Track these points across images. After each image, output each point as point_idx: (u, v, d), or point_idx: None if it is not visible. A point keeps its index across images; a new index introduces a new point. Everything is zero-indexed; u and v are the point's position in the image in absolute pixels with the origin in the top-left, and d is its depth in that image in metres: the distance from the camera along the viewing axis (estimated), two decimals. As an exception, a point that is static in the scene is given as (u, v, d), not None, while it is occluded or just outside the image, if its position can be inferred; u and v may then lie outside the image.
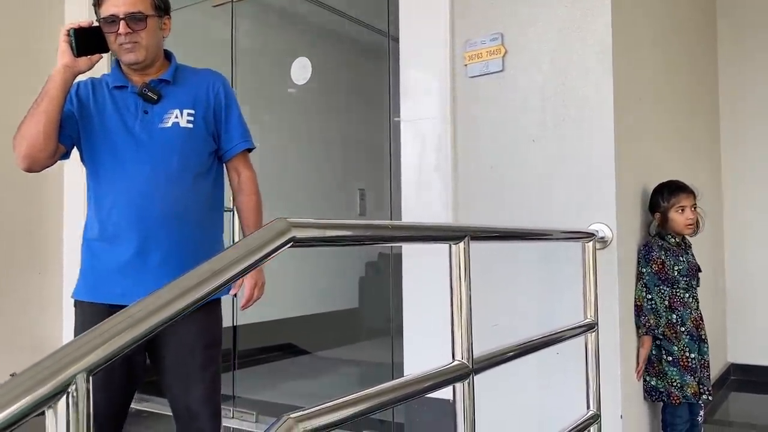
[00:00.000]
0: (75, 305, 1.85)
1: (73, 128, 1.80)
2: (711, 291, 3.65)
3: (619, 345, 2.26)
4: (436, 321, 2.62)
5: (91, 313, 1.77)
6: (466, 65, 2.56)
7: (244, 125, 1.97)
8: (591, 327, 2.13)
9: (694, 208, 2.45)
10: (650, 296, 2.38)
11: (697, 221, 2.47)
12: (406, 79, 2.68)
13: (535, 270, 2.45)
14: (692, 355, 2.39)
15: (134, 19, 1.76)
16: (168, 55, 1.92)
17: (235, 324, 3.62)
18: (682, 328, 2.40)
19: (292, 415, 0.94)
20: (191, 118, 1.84)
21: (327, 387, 4.02)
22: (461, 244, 1.41)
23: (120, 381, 1.76)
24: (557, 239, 2.20)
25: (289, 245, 0.97)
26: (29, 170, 1.76)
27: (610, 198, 2.26)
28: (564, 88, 2.36)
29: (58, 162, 1.82)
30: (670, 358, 2.39)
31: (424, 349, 2.55)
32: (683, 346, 2.39)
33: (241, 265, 0.91)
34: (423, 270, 2.59)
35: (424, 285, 2.59)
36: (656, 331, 2.37)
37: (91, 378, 0.72)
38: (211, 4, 3.53)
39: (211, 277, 0.87)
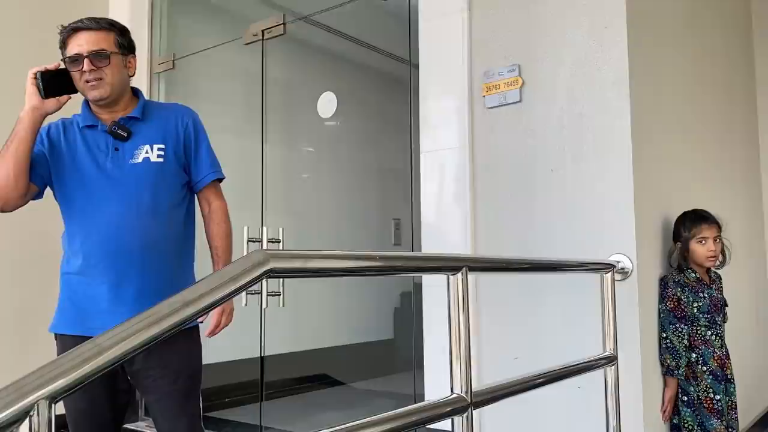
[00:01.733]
0: (55, 338, 1.88)
1: (44, 168, 1.85)
2: (751, 323, 3.51)
3: (641, 380, 2.19)
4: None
5: (72, 345, 1.80)
6: (484, 96, 2.56)
7: (213, 157, 2.01)
8: (610, 360, 2.08)
9: (718, 239, 2.37)
10: (665, 335, 2.30)
11: (723, 253, 2.38)
12: (425, 110, 2.70)
13: (558, 302, 2.41)
14: (717, 397, 2.28)
15: (98, 57, 1.82)
16: (136, 93, 1.98)
17: (262, 355, 3.65)
18: (704, 368, 2.30)
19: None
20: (161, 153, 1.88)
21: (359, 418, 3.97)
22: (459, 275, 1.40)
23: (103, 412, 1.82)
24: (571, 270, 2.16)
25: (265, 276, 0.98)
26: (1, 210, 1.81)
27: (629, 228, 2.22)
28: (581, 119, 2.34)
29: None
30: (686, 399, 2.30)
31: (444, 381, 2.53)
32: (706, 386, 2.30)
33: (217, 295, 0.93)
34: (442, 301, 2.57)
35: (444, 316, 2.57)
36: (676, 372, 2.28)
37: (54, 405, 0.74)
38: (243, 41, 3.64)
39: (183, 307, 0.89)
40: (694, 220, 2.37)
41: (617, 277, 2.25)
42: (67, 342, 1.83)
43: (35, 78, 1.79)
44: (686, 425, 2.28)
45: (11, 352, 3.29)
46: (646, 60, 2.36)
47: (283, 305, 3.39)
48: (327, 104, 3.29)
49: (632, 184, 2.22)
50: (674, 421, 2.32)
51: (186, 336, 1.86)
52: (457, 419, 1.39)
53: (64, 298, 1.88)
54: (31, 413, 0.72)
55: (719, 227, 2.38)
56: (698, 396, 2.30)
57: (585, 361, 2.07)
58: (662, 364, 2.30)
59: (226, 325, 1.93)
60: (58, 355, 1.84)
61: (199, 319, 1.91)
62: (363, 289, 4.83)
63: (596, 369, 2.15)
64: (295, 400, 4.42)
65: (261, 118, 3.54)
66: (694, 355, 2.32)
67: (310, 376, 4.77)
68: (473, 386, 1.43)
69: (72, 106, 1.91)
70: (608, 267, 2.12)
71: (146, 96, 4.08)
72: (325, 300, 4.57)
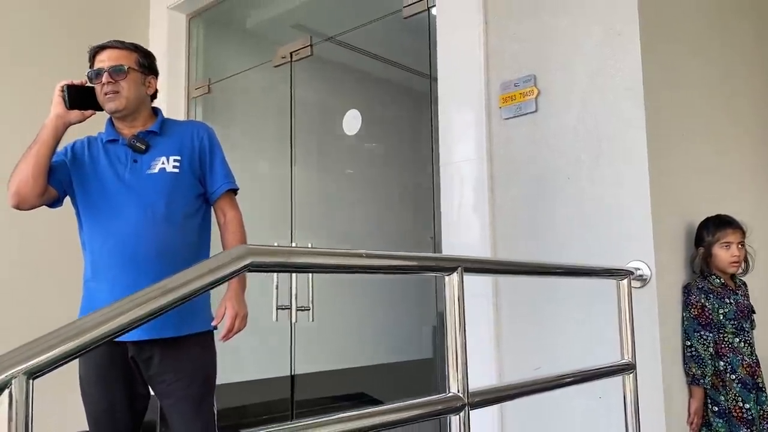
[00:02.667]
0: None
1: (63, 175, 1.98)
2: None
3: (662, 390, 2.14)
4: (476, 368, 2.60)
5: (98, 353, 1.89)
6: (500, 108, 2.59)
7: (227, 169, 2.11)
8: (628, 369, 2.05)
9: (741, 245, 2.31)
10: (689, 343, 2.25)
11: (746, 259, 2.32)
12: (444, 124, 2.74)
13: (582, 311, 2.38)
14: (747, 406, 2.21)
15: (116, 71, 1.97)
16: (156, 111, 2.12)
17: (292, 374, 3.69)
18: (732, 376, 2.24)
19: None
20: (177, 164, 2.00)
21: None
22: (454, 276, 1.42)
23: (122, 415, 1.89)
24: (584, 276, 2.15)
25: (245, 269, 1.03)
26: (17, 207, 1.93)
27: (647, 235, 2.19)
28: (596, 127, 2.33)
29: None
30: (716, 409, 2.23)
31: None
32: (734, 395, 2.23)
33: (197, 284, 0.98)
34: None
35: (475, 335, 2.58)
36: (702, 381, 2.21)
37: (32, 382, 0.79)
38: (273, 64, 3.77)
39: (163, 294, 0.94)
40: (718, 224, 2.32)
41: (636, 284, 2.22)
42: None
43: (62, 90, 1.94)
44: None
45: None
46: (662, 65, 2.35)
47: (313, 320, 3.43)
48: (352, 121, 3.36)
49: (648, 190, 2.19)
50: (702, 432, 2.26)
51: (200, 341, 1.93)
52: (455, 419, 1.40)
53: (83, 306, 1.98)
54: (10, 387, 0.77)
55: (743, 233, 2.32)
56: (728, 405, 2.23)
57: (598, 367, 2.05)
58: (687, 374, 2.25)
59: (240, 330, 1.99)
60: (83, 362, 1.93)
61: (214, 323, 1.99)
62: (399, 307, 4.84)
63: (612, 376, 2.12)
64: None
65: (290, 138, 3.64)
66: (722, 363, 2.26)
67: (347, 395, 4.78)
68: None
69: (98, 125, 2.05)
70: (624, 274, 2.09)
71: (184, 119, 4.27)
72: (365, 319, 4.58)
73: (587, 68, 2.37)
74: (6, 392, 0.77)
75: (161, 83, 4.19)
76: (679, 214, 2.37)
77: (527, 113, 2.51)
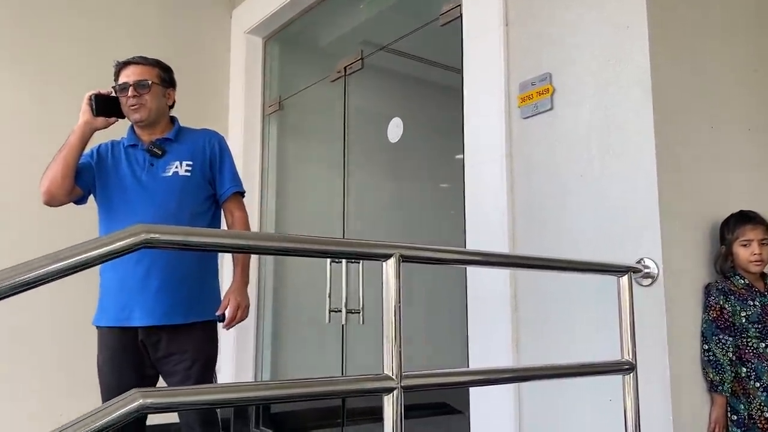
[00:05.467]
0: (98, 330, 2.19)
1: (89, 176, 2.22)
2: None
3: (670, 396, 2.03)
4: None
5: (109, 336, 2.11)
6: (519, 107, 2.58)
7: (234, 173, 2.27)
8: (627, 369, 1.97)
9: (765, 243, 2.14)
10: (707, 347, 2.11)
11: None
12: (469, 125, 2.76)
13: (601, 308, 2.31)
14: (772, 415, 2.04)
15: (140, 86, 2.20)
16: (173, 120, 2.31)
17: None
18: (757, 384, 2.07)
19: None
20: (189, 168, 2.19)
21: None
22: (390, 261, 1.47)
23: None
24: (580, 272, 2.09)
25: (141, 246, 1.16)
26: (48, 204, 2.17)
27: (654, 230, 2.10)
28: (606, 119, 2.28)
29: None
30: (735, 418, 2.07)
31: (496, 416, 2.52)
32: (759, 405, 2.06)
33: (89, 254, 1.12)
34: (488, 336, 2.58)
35: (486, 333, 2.58)
36: (721, 388, 2.07)
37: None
38: (330, 79, 3.96)
39: (54, 262, 1.09)
40: (738, 220, 2.17)
41: (644, 282, 2.14)
42: (104, 333, 2.14)
43: (90, 99, 2.19)
44: None
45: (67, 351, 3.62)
46: (674, 55, 2.24)
47: (363, 322, 3.53)
48: (395, 128, 3.46)
49: (656, 184, 2.10)
50: (722, 443, 2.11)
51: (205, 328, 2.11)
52: (386, 399, 1.44)
53: (101, 294, 2.21)
54: None
55: (767, 229, 2.15)
56: (750, 415, 2.07)
57: (591, 363, 1.99)
58: (705, 380, 2.11)
59: (242, 320, 2.15)
60: (100, 347, 2.16)
61: (218, 312, 2.15)
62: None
63: (607, 374, 2.06)
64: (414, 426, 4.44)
65: (342, 149, 3.81)
66: (744, 369, 2.10)
67: (430, 404, 4.78)
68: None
69: (120, 131, 2.30)
70: (624, 270, 2.02)
71: (259, 138, 4.56)
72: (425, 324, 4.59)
73: (598, 63, 2.32)
74: None
75: (239, 102, 4.55)
76: (698, 209, 2.24)
77: (544, 111, 2.49)
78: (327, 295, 3.54)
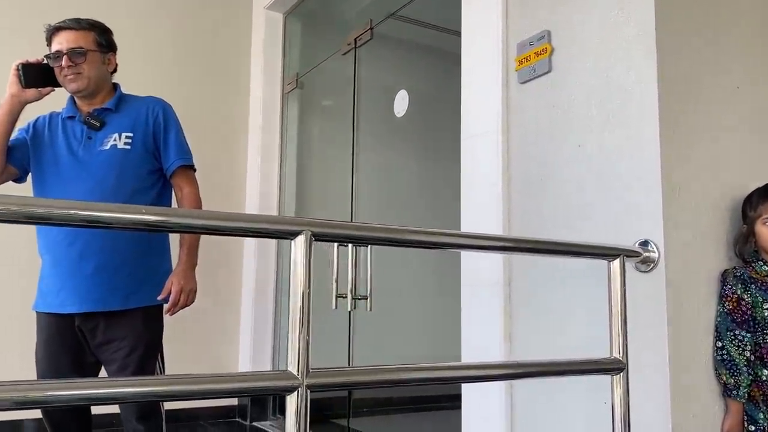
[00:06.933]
0: (36, 315, 2.05)
1: (24, 153, 2.06)
2: None
3: (669, 398, 1.74)
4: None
5: (45, 322, 1.97)
6: (516, 71, 2.30)
7: (181, 145, 2.06)
8: (616, 368, 1.69)
9: (789, 220, 1.79)
10: (721, 344, 1.79)
11: None
12: (465, 97, 2.51)
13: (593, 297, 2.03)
14: (798, 428, 1.71)
15: (75, 54, 2.00)
16: (115, 87, 2.11)
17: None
18: None
19: None
20: (129, 140, 2.00)
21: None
22: (299, 240, 1.27)
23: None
24: (565, 255, 1.82)
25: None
26: None
27: (655, 209, 1.80)
28: (608, 81, 1.98)
29: None
30: (753, 429, 1.75)
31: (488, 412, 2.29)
32: (782, 413, 1.74)
33: None
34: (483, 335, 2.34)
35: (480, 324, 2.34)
36: (736, 392, 1.76)
37: None
38: (341, 53, 3.76)
39: None
40: (762, 195, 1.83)
41: (642, 267, 1.84)
42: (41, 318, 2.02)
43: (17, 69, 2.01)
44: None
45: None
46: (685, 10, 1.92)
47: (370, 309, 3.33)
48: (401, 101, 3.23)
49: (659, 155, 1.80)
50: (737, 456, 1.79)
51: (145, 312, 1.96)
52: (290, 399, 1.24)
53: (40, 277, 2.09)
54: None
55: (793, 205, 1.81)
56: (769, 426, 1.75)
57: (572, 361, 1.72)
58: (718, 382, 1.80)
59: (186, 305, 1.98)
60: (37, 332, 2.04)
61: (160, 296, 2.00)
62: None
63: (591, 374, 1.79)
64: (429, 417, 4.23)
65: (352, 124, 3.60)
66: (765, 371, 1.77)
67: (441, 396, 4.56)
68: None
69: (62, 100, 2.14)
70: (616, 253, 1.73)
71: (278, 116, 4.41)
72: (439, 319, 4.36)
73: (599, 15, 2.02)
74: None
75: (259, 80, 4.40)
76: (712, 185, 1.91)
77: (541, 74, 2.21)
78: (333, 280, 3.37)
